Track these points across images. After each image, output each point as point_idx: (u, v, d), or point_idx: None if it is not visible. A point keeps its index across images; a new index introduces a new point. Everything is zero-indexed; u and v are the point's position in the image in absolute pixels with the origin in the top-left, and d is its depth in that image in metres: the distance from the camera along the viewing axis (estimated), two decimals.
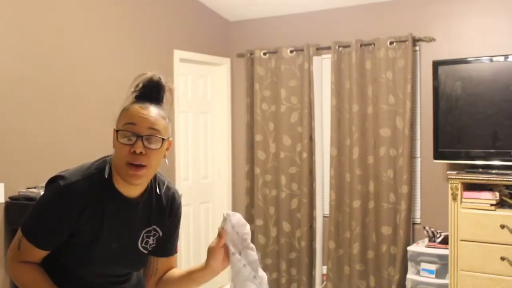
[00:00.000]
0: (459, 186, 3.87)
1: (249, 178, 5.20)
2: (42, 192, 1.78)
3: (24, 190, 3.53)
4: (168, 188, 1.84)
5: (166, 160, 1.73)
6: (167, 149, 1.72)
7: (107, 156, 1.76)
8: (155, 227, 1.81)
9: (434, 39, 4.43)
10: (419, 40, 4.46)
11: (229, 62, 5.36)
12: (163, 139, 1.67)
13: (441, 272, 4.03)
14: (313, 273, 4.95)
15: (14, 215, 3.46)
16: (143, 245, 1.80)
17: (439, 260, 4.05)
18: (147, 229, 1.80)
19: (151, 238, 1.81)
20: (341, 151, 4.75)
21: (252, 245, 1.69)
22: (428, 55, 4.42)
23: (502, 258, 3.72)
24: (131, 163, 1.63)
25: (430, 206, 4.48)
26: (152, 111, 1.68)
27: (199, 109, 5.17)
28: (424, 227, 4.32)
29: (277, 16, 5.14)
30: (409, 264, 4.22)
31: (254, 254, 1.68)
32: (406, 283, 4.25)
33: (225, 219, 1.68)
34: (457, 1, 4.35)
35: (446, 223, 3.98)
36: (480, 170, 3.93)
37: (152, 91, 1.73)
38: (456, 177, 3.90)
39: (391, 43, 4.51)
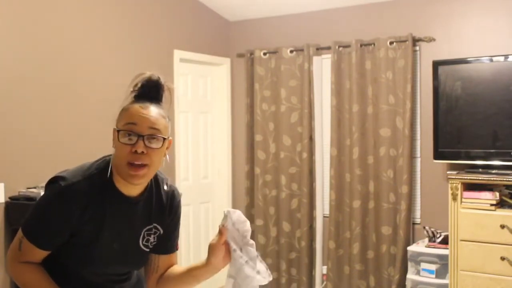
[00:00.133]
0: (459, 186, 3.87)
1: (249, 178, 5.20)
2: (42, 192, 1.78)
3: (24, 190, 3.53)
4: (168, 186, 1.85)
5: (167, 157, 1.74)
6: (167, 148, 1.72)
7: (107, 156, 1.76)
8: (155, 225, 1.82)
9: (434, 39, 4.43)
10: (419, 40, 4.46)
11: (229, 62, 5.36)
12: (164, 138, 1.68)
13: (441, 272, 4.03)
14: (313, 273, 4.95)
15: (14, 215, 3.46)
16: (144, 243, 1.80)
17: (439, 260, 4.05)
18: (147, 227, 1.80)
19: (152, 236, 1.82)
20: (341, 151, 4.75)
21: (252, 242, 1.70)
22: (428, 55, 4.42)
23: (502, 258, 3.72)
24: (132, 163, 1.64)
25: (430, 206, 4.48)
26: (152, 110, 1.68)
27: (199, 109, 5.17)
28: (424, 227, 4.32)
29: (277, 16, 5.14)
30: (409, 264, 4.22)
31: (254, 251, 1.69)
32: (406, 283, 4.26)
33: (225, 217, 1.69)
34: (457, 1, 4.35)
35: (446, 223, 3.98)
36: (480, 170, 3.93)
37: (151, 91, 1.73)
38: (456, 177, 3.90)
39: (391, 43, 4.51)
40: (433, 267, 4.07)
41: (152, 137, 1.65)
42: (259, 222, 5.09)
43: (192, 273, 1.81)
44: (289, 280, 5.03)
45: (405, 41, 4.44)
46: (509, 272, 3.70)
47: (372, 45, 4.61)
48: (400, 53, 4.48)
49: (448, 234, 3.97)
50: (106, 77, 4.15)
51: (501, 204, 3.85)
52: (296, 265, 5.00)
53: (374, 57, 4.59)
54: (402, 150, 4.46)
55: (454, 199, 3.88)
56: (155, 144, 1.66)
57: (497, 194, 3.82)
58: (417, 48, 4.49)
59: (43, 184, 1.77)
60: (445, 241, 4.06)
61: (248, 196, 5.20)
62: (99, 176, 1.70)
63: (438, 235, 4.17)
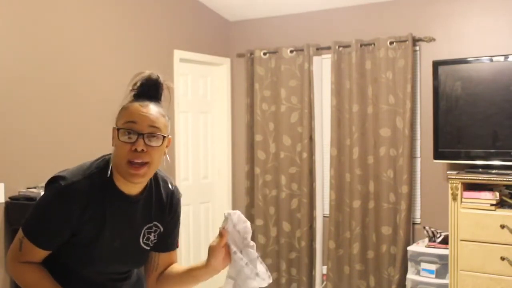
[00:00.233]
0: (459, 186, 3.87)
1: (249, 178, 5.20)
2: (42, 192, 1.78)
3: (24, 190, 3.53)
4: (167, 184, 1.86)
5: (168, 157, 1.75)
6: (166, 146, 1.73)
7: (106, 155, 1.77)
8: (156, 223, 1.82)
9: (434, 39, 4.43)
10: (419, 40, 4.46)
11: (229, 62, 5.36)
12: (163, 137, 1.68)
13: (441, 272, 4.03)
14: (313, 273, 4.95)
15: (14, 215, 3.46)
16: (144, 241, 1.81)
17: (439, 260, 4.05)
18: (148, 226, 1.81)
19: (152, 234, 1.82)
20: (341, 151, 4.75)
21: (252, 243, 1.71)
22: (428, 55, 4.42)
23: (502, 258, 3.72)
24: (132, 162, 1.64)
25: (430, 206, 4.48)
26: (152, 109, 1.69)
27: (199, 109, 5.17)
28: (424, 227, 4.32)
29: (277, 16, 5.14)
30: (409, 264, 4.22)
31: (254, 252, 1.69)
32: (406, 283, 4.26)
33: (226, 219, 1.69)
34: (457, 1, 4.35)
35: (446, 223, 3.98)
36: (480, 170, 3.93)
37: (150, 89, 1.74)
38: (456, 177, 3.89)
39: (391, 43, 4.51)
40: (433, 267, 4.07)
41: (152, 135, 1.66)
42: (259, 222, 5.09)
43: (192, 273, 1.81)
44: (289, 280, 5.03)
45: (405, 41, 4.44)
46: (509, 272, 3.70)
47: (372, 45, 4.61)
48: (400, 53, 4.47)
49: (448, 234, 3.97)
50: (106, 77, 4.15)
51: (501, 204, 3.84)
52: (296, 265, 5.00)
53: (374, 57, 4.59)
54: (402, 150, 4.46)
55: (454, 199, 3.88)
56: (155, 142, 1.66)
57: (497, 194, 3.82)
58: (417, 48, 4.49)
59: (43, 184, 1.77)
60: (445, 241, 4.06)
61: (248, 196, 5.20)
62: (99, 175, 1.70)
63: (438, 235, 4.17)
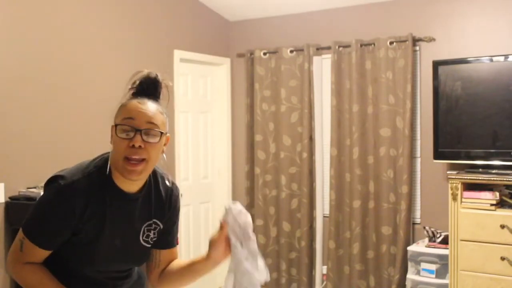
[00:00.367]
0: (459, 186, 3.87)
1: (249, 178, 5.20)
2: (42, 192, 1.78)
3: (24, 190, 3.53)
4: (166, 180, 1.86)
5: (164, 156, 1.75)
6: (164, 144, 1.74)
7: (105, 154, 1.77)
8: (155, 220, 1.83)
9: (434, 39, 4.43)
10: (419, 40, 4.46)
11: (229, 62, 5.36)
12: (161, 133, 1.69)
13: (441, 272, 4.03)
14: (313, 273, 4.95)
15: (14, 215, 3.46)
16: (144, 238, 1.81)
17: (439, 260, 4.05)
18: (147, 223, 1.81)
19: (152, 231, 1.82)
20: (341, 151, 4.75)
21: (253, 237, 1.71)
22: (428, 55, 4.42)
23: (502, 258, 3.72)
24: (130, 158, 1.64)
25: (430, 206, 4.48)
26: (150, 106, 1.70)
27: (199, 109, 5.17)
28: (424, 227, 4.32)
29: (277, 16, 5.14)
30: (409, 264, 4.22)
31: (255, 246, 1.69)
32: (406, 283, 4.26)
33: (226, 211, 1.70)
34: (457, 1, 4.35)
35: (446, 223, 3.98)
36: (480, 170, 3.93)
37: (149, 87, 1.75)
38: (456, 177, 3.90)
39: (391, 43, 4.51)
40: (433, 267, 4.07)
41: (149, 131, 1.66)
42: (259, 222, 5.08)
43: (193, 267, 1.82)
44: (289, 280, 5.03)
45: (405, 41, 4.44)
46: (509, 272, 3.70)
47: (372, 45, 4.61)
48: (400, 53, 4.47)
49: (448, 234, 3.97)
50: (106, 77, 4.15)
51: (501, 204, 3.85)
52: (296, 265, 5.00)
53: (374, 57, 4.59)
54: (402, 150, 4.46)
55: (454, 199, 3.88)
56: (152, 139, 1.67)
57: (497, 194, 3.82)
58: (417, 48, 4.49)
59: (43, 184, 1.77)
60: (445, 241, 4.06)
61: (248, 196, 5.20)
62: (98, 174, 1.71)
63: (438, 235, 4.17)
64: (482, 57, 4.04)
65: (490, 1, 4.23)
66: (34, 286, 1.69)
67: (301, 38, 4.96)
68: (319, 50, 4.89)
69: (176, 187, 1.90)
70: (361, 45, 4.64)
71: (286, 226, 5.02)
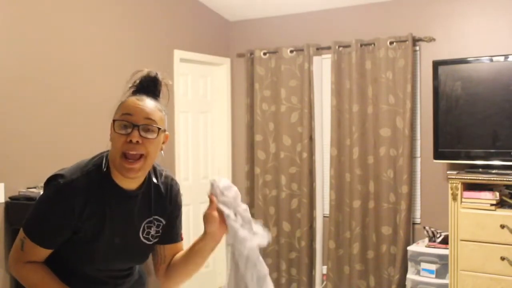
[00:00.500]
0: (459, 186, 3.87)
1: (249, 178, 5.20)
2: (42, 192, 1.79)
3: (24, 190, 3.54)
4: (165, 176, 1.87)
5: (162, 153, 1.76)
6: (163, 142, 1.74)
7: (104, 152, 1.78)
8: (156, 217, 1.83)
9: (434, 39, 4.43)
10: (419, 40, 4.46)
11: (229, 62, 5.36)
12: (159, 129, 1.70)
13: (441, 272, 4.03)
14: (313, 273, 4.95)
15: (14, 215, 3.46)
16: (144, 235, 1.81)
17: (439, 260, 4.05)
18: (147, 220, 1.81)
19: (153, 228, 1.82)
20: (341, 151, 4.75)
21: (245, 206, 1.72)
22: (428, 55, 4.42)
23: (502, 258, 3.72)
24: (127, 154, 1.65)
25: (430, 206, 4.48)
26: (148, 102, 1.71)
27: (199, 109, 5.17)
28: (424, 227, 4.32)
29: (277, 16, 5.14)
30: (409, 264, 4.22)
31: (247, 213, 1.71)
32: (406, 283, 4.26)
33: (212, 185, 1.71)
34: (457, 1, 4.35)
35: (446, 223, 3.98)
36: (480, 170, 3.93)
37: (148, 86, 1.76)
38: (456, 177, 3.90)
39: (391, 43, 4.51)
40: (433, 267, 4.07)
41: (147, 127, 1.67)
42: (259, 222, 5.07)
43: (194, 249, 1.80)
44: (289, 280, 5.03)
45: (405, 41, 4.44)
46: (509, 272, 3.70)
47: (372, 45, 4.61)
48: (400, 53, 4.48)
49: (448, 234, 3.97)
50: (106, 77, 4.15)
51: (501, 204, 3.85)
52: (296, 265, 5.00)
53: (374, 57, 4.59)
54: (402, 150, 4.46)
55: (454, 199, 3.88)
56: (150, 134, 1.68)
57: (497, 194, 3.82)
58: (417, 48, 4.49)
59: (43, 184, 1.77)
60: (445, 241, 4.06)
61: (248, 196, 5.20)
62: (97, 172, 1.71)
63: (438, 235, 4.17)
64: (482, 57, 4.04)
65: (490, 1, 4.23)
66: (36, 285, 1.70)
67: (301, 38, 4.96)
68: (319, 50, 4.89)
69: (176, 183, 1.91)
70: (361, 45, 4.64)
71: (286, 226, 5.02)
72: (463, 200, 3.88)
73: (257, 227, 1.71)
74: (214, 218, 1.70)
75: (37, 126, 3.71)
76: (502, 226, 3.72)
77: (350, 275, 4.71)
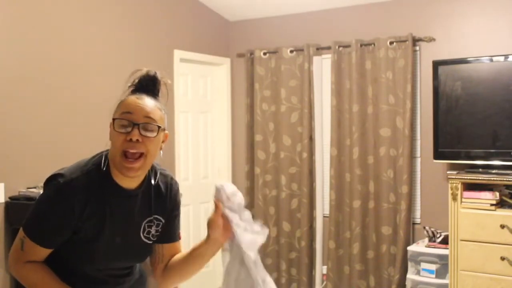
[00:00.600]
0: (459, 186, 3.87)
1: (249, 178, 5.20)
2: (42, 192, 1.79)
3: (24, 190, 3.54)
4: (164, 175, 1.87)
5: (161, 152, 1.76)
6: (163, 141, 1.75)
7: (104, 151, 1.78)
8: (156, 216, 1.83)
9: (434, 39, 4.43)
10: (419, 40, 4.47)
11: (229, 62, 5.36)
12: (159, 127, 1.70)
13: (441, 272, 4.03)
14: (313, 273, 4.95)
15: (14, 215, 3.46)
16: (145, 234, 1.81)
17: (439, 260, 4.05)
18: (148, 219, 1.81)
19: (153, 227, 1.83)
20: (341, 151, 4.75)
21: (248, 212, 1.74)
22: (428, 55, 4.42)
23: (502, 258, 3.72)
24: (127, 152, 1.65)
25: (430, 206, 4.48)
26: (148, 101, 1.72)
27: (199, 109, 5.17)
28: (424, 227, 4.32)
29: (277, 16, 5.14)
30: (409, 264, 4.22)
31: (249, 215, 1.73)
32: (406, 283, 4.26)
33: (218, 190, 1.72)
34: (457, 1, 4.35)
35: (446, 223, 3.98)
36: (480, 170, 3.93)
37: (148, 85, 1.77)
38: (456, 177, 3.90)
39: (391, 43, 4.51)
40: (433, 267, 4.07)
41: (147, 125, 1.68)
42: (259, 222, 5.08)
43: (195, 252, 1.81)
44: (289, 280, 5.03)
45: (405, 41, 4.44)
46: (509, 272, 3.70)
47: (372, 45, 4.61)
48: (400, 53, 4.48)
49: (448, 234, 3.97)
50: (106, 77, 4.15)
51: (501, 204, 3.85)
52: (296, 265, 5.00)
53: (374, 57, 4.59)
54: (402, 150, 4.46)
55: (454, 199, 3.88)
56: (150, 133, 1.68)
57: (497, 194, 3.82)
58: (417, 48, 4.49)
59: (43, 183, 1.77)
60: (445, 241, 4.06)
61: (248, 196, 5.20)
62: (97, 171, 1.71)
63: (438, 235, 4.17)
64: (482, 57, 4.04)
65: (490, 1, 4.23)
66: (36, 284, 1.70)
67: (301, 38, 4.96)
68: (319, 50, 4.89)
69: (175, 182, 1.91)
70: (361, 45, 4.64)
71: (286, 226, 5.02)
72: (463, 200, 3.88)
73: (256, 226, 1.73)
74: (219, 224, 1.71)
75: (37, 126, 3.71)
76: (502, 226, 3.72)
77: (350, 275, 4.71)
